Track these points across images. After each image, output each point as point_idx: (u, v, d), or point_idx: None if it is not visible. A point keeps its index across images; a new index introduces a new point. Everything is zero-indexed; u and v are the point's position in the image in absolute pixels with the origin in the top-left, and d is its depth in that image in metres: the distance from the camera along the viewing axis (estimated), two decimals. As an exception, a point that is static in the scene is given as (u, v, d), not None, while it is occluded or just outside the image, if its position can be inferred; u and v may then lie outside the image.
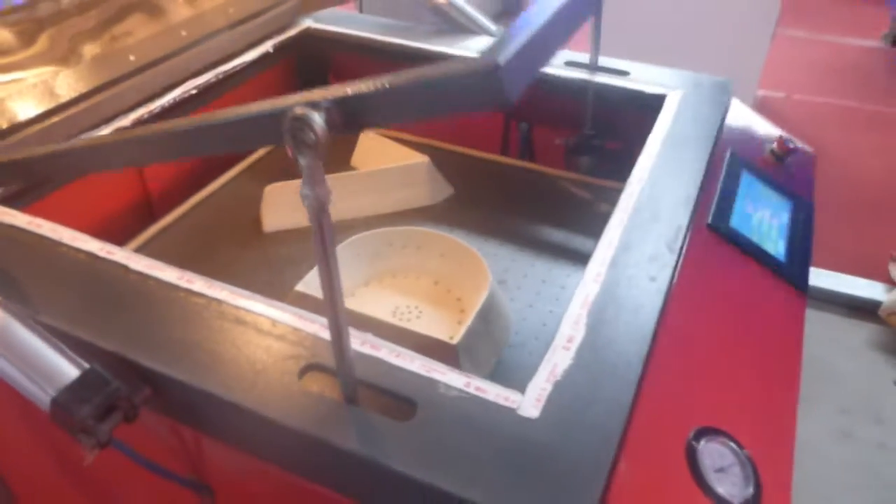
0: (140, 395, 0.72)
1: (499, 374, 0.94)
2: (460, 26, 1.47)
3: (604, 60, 1.32)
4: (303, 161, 0.56)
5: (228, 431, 0.74)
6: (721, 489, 0.70)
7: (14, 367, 0.70)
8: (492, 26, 1.49)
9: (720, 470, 0.72)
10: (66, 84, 1.16)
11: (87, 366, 0.70)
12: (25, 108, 1.10)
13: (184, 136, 0.72)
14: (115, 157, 0.84)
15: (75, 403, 0.68)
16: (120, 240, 1.13)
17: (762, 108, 3.32)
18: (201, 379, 0.71)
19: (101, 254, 0.86)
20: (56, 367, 0.70)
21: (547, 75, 1.28)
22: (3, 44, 1.22)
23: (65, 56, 1.23)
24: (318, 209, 0.58)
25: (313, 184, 0.57)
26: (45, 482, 1.08)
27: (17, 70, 1.22)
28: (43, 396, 0.69)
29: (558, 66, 1.29)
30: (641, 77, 1.27)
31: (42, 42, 1.26)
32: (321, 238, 0.60)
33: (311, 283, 0.97)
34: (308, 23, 1.48)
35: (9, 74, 1.20)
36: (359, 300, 1.08)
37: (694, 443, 0.73)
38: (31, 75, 1.21)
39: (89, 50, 1.23)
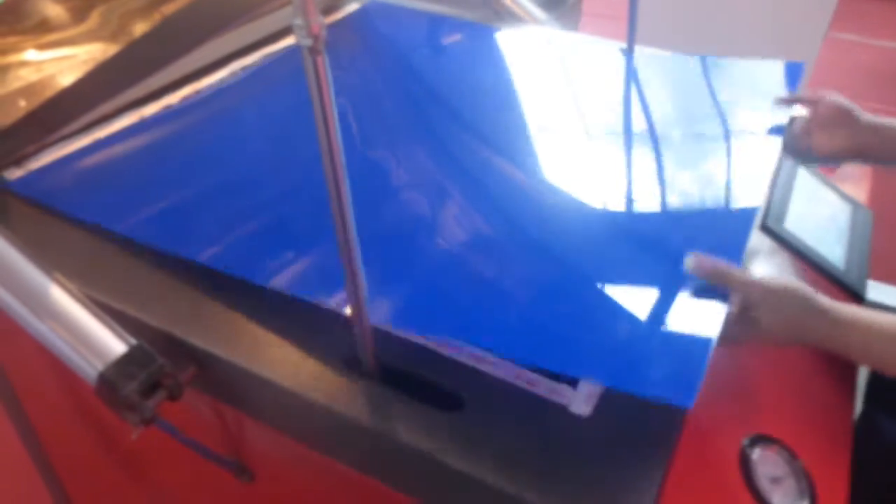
0: (185, 373, 0.72)
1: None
2: (509, 14, 1.45)
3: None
4: None
5: (271, 414, 0.73)
6: (776, 500, 0.67)
7: (62, 340, 0.70)
8: (541, 14, 1.47)
9: (775, 480, 0.69)
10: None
11: (134, 342, 0.70)
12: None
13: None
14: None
15: (122, 379, 0.67)
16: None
17: (809, 110, 3.22)
18: (247, 359, 0.70)
19: (150, 230, 0.85)
20: (104, 342, 0.70)
21: None
22: (56, 20, 1.22)
23: (115, 33, 1.24)
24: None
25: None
26: (87, 461, 1.09)
27: (68, 46, 1.22)
28: (90, 371, 0.68)
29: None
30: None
31: (93, 19, 1.26)
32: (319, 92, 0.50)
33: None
34: (356, 7, 1.46)
35: (60, 50, 1.21)
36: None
37: (748, 450, 0.70)
38: (82, 52, 1.21)
39: (140, 28, 1.23)
